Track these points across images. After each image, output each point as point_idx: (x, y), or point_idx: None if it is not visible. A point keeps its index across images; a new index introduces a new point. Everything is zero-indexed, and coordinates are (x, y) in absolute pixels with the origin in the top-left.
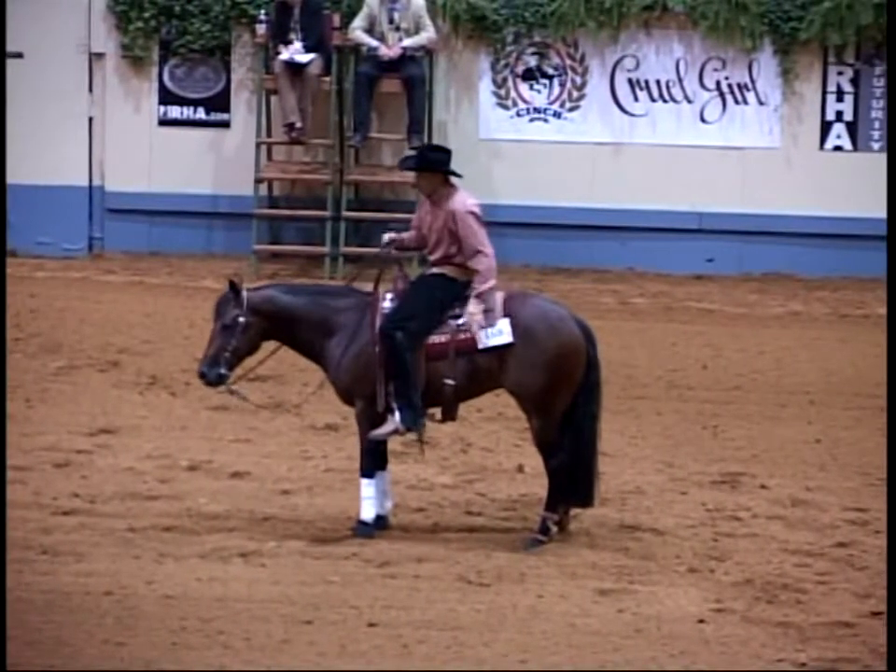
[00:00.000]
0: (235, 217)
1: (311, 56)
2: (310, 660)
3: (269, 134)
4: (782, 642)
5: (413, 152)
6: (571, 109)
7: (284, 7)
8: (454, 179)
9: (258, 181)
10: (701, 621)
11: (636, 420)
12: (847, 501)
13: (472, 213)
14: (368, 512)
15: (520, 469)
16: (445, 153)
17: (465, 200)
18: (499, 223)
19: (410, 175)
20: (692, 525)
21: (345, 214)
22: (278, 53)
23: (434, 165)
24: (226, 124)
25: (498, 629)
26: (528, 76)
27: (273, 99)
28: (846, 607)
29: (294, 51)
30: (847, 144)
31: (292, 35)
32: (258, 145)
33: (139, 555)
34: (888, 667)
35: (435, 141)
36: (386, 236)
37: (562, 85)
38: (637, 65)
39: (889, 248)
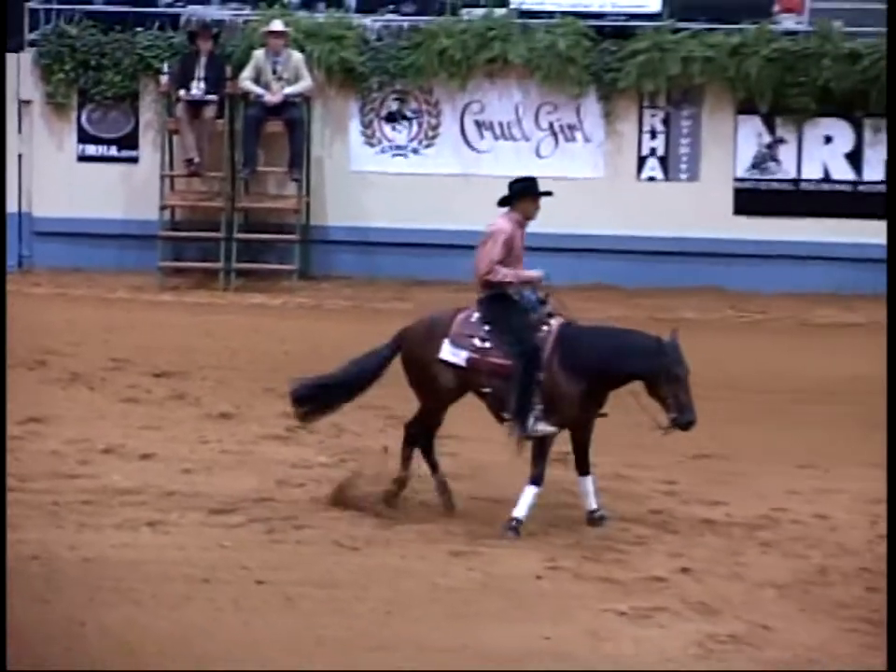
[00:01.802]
0: (143, 238)
1: (212, 97)
2: (208, 614)
3: (171, 168)
4: (607, 594)
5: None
6: (427, 146)
7: (192, 56)
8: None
9: (162, 208)
10: (538, 577)
11: (481, 408)
12: (660, 476)
13: None
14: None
15: (385, 449)
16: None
17: None
18: (369, 242)
19: (291, 202)
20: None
21: (236, 235)
22: (179, 99)
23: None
24: (135, 160)
25: (368, 586)
26: (391, 118)
27: (175, 138)
28: (660, 564)
29: (197, 91)
30: (659, 174)
31: (194, 82)
32: (162, 177)
33: (62, 525)
34: (888, 667)
35: (312, 173)
36: (538, 273)
37: (419, 126)
38: (483, 109)
39: (890, 252)
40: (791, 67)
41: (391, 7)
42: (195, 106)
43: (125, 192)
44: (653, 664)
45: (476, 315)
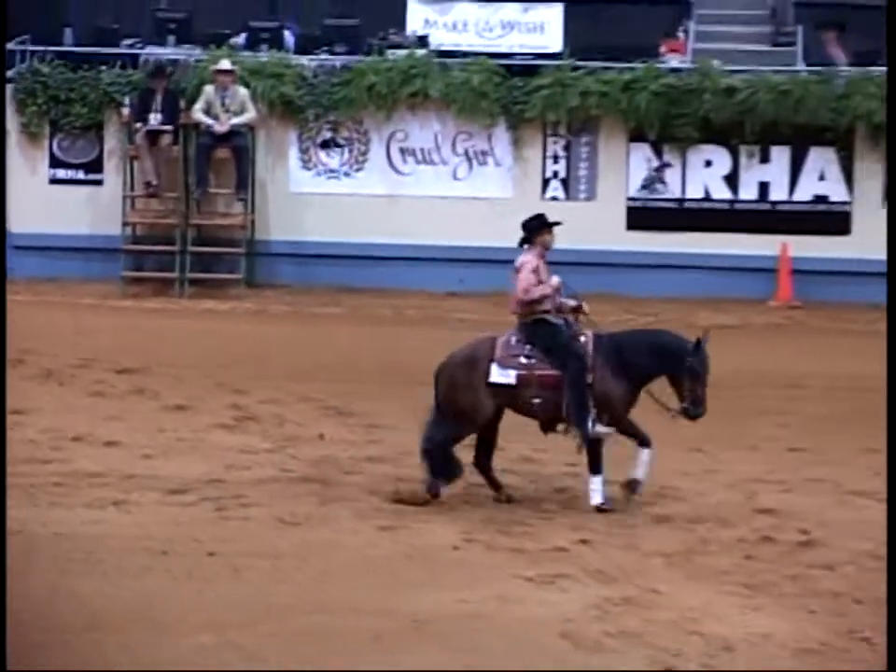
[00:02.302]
0: (108, 251)
1: (168, 127)
2: (166, 583)
3: (132, 190)
4: (516, 563)
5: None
6: (357, 170)
7: (150, 91)
8: None
9: (124, 224)
10: (456, 548)
11: (409, 401)
12: (564, 458)
13: None
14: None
15: (321, 436)
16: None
17: None
18: (307, 255)
19: (238, 219)
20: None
21: (190, 248)
22: (138, 129)
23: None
24: (100, 182)
25: (308, 557)
26: (325, 145)
27: (136, 163)
28: (563, 536)
29: (154, 122)
30: (561, 194)
31: (152, 114)
32: (124, 197)
33: (37, 504)
34: (888, 667)
35: (256, 194)
36: (559, 280)
37: (350, 152)
38: (406, 137)
39: (889, 253)
40: (676, 100)
41: (325, 48)
42: (153, 135)
43: (92, 211)
44: (556, 623)
45: (514, 338)
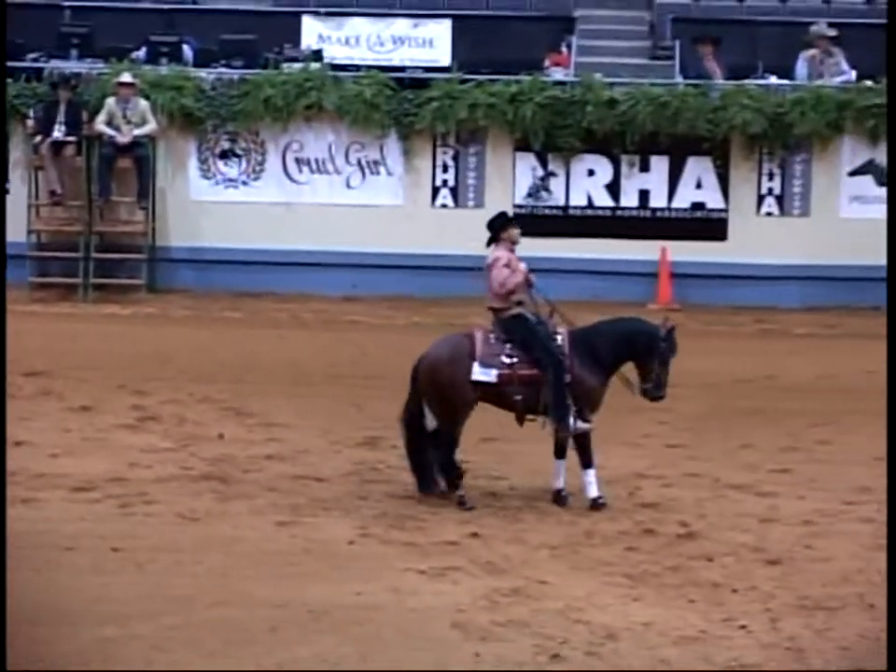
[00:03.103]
0: (15, 258)
1: (71, 138)
2: (73, 576)
3: (37, 198)
4: (409, 556)
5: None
6: (255, 179)
7: (54, 103)
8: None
9: (30, 232)
10: (351, 542)
11: (302, 400)
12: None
13: None
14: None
15: (221, 436)
16: None
17: None
18: (206, 260)
19: (140, 226)
20: (344, 474)
21: (93, 255)
22: (43, 140)
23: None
24: (6, 191)
25: (208, 552)
26: (224, 155)
27: (40, 173)
28: (453, 531)
29: (60, 134)
30: (450, 202)
31: (56, 126)
32: (29, 206)
33: None
34: (888, 667)
35: (157, 202)
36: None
37: (248, 162)
38: (301, 147)
39: (889, 253)
40: (560, 112)
41: (223, 61)
42: (57, 146)
43: None
44: (447, 613)
45: (493, 336)
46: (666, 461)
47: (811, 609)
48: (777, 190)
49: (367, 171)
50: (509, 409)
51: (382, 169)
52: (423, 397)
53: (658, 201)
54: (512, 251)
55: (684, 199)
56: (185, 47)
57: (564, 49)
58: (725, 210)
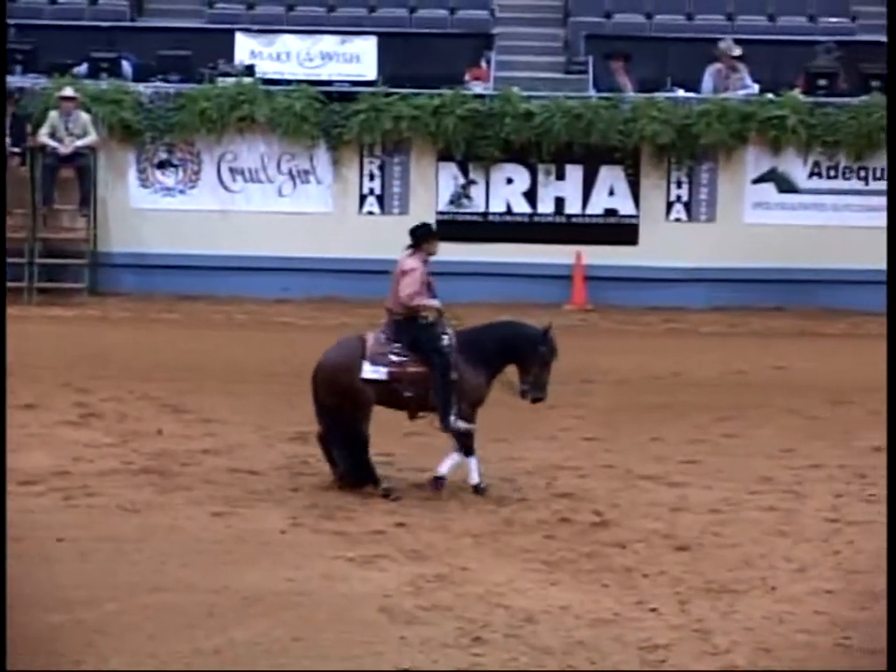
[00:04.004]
0: None
1: (17, 149)
2: (20, 566)
3: None
4: (338, 545)
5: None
6: (191, 188)
7: None
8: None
9: None
10: (283, 531)
11: (237, 397)
12: (381, 449)
13: None
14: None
15: (160, 431)
16: None
17: None
18: (146, 265)
19: (82, 233)
20: (277, 468)
21: (37, 260)
22: None
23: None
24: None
25: (148, 541)
26: (161, 165)
27: None
28: (380, 520)
29: (8, 146)
30: (377, 209)
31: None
32: None
33: None
34: (888, 667)
35: (98, 210)
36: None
37: (184, 171)
38: (235, 158)
39: (889, 252)
40: (480, 123)
41: (160, 76)
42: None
43: None
44: (375, 598)
45: (383, 336)
46: (582, 453)
47: (718, 593)
48: (684, 197)
49: (297, 180)
50: (400, 406)
51: (311, 178)
52: (323, 403)
53: (573, 207)
54: (426, 262)
55: (597, 206)
56: (124, 62)
57: (483, 65)
58: (636, 216)
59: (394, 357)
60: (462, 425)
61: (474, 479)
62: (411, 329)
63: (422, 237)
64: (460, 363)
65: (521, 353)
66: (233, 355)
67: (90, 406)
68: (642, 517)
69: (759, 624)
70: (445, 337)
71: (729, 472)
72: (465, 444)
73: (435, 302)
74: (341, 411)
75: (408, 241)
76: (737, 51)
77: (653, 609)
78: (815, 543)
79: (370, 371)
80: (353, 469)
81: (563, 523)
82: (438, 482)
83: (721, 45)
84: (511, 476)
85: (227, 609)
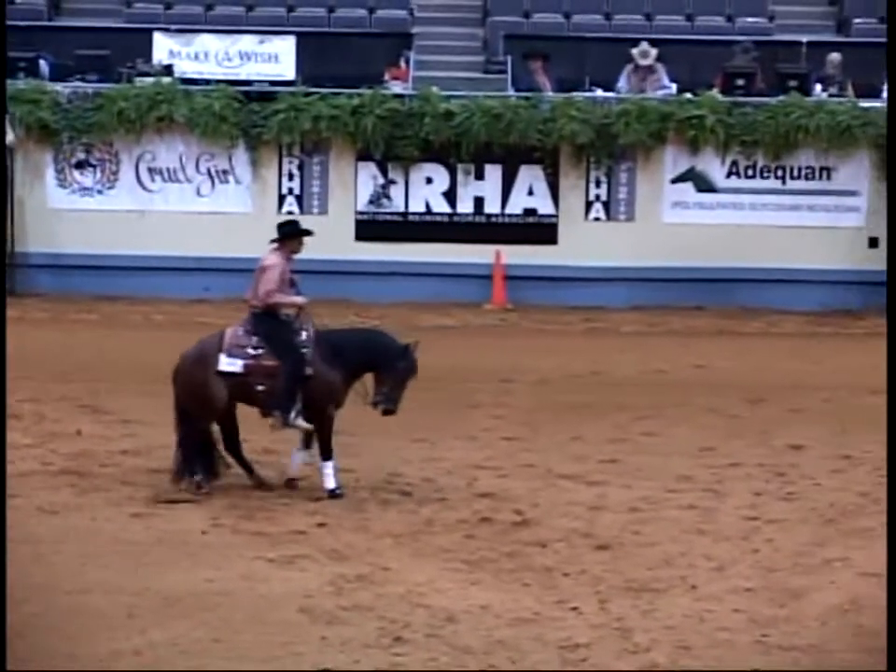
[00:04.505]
0: None
1: None
2: None
3: None
4: (259, 545)
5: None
6: (110, 188)
7: None
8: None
9: None
10: (204, 532)
11: (156, 398)
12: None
13: None
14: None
15: (78, 432)
16: None
17: None
18: (64, 266)
19: None
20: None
21: None
22: None
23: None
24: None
25: (66, 542)
26: (80, 165)
27: None
28: (301, 521)
29: None
30: (296, 209)
31: None
32: None
33: None
34: (888, 667)
35: (16, 210)
36: (303, 299)
37: (102, 171)
38: (154, 158)
39: (890, 251)
40: (400, 123)
41: (78, 76)
42: None
43: None
44: (295, 599)
45: (242, 329)
46: (502, 453)
47: (638, 591)
48: (603, 197)
49: (216, 180)
50: (254, 401)
51: (231, 178)
52: (181, 397)
53: (492, 207)
54: (290, 260)
55: (517, 205)
56: (41, 62)
57: (402, 64)
58: (555, 216)
59: (250, 350)
60: (302, 423)
61: (329, 483)
62: (268, 323)
63: (287, 235)
64: (317, 361)
65: (379, 363)
66: (152, 355)
67: (8, 407)
68: (562, 516)
69: (679, 623)
70: (303, 333)
71: (648, 471)
72: (325, 445)
73: (296, 299)
74: (194, 405)
75: (327, 240)
76: (648, 61)
77: (574, 608)
78: (734, 541)
79: (225, 364)
80: (211, 470)
81: (483, 522)
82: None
83: (633, 51)
84: (431, 476)
85: (146, 610)
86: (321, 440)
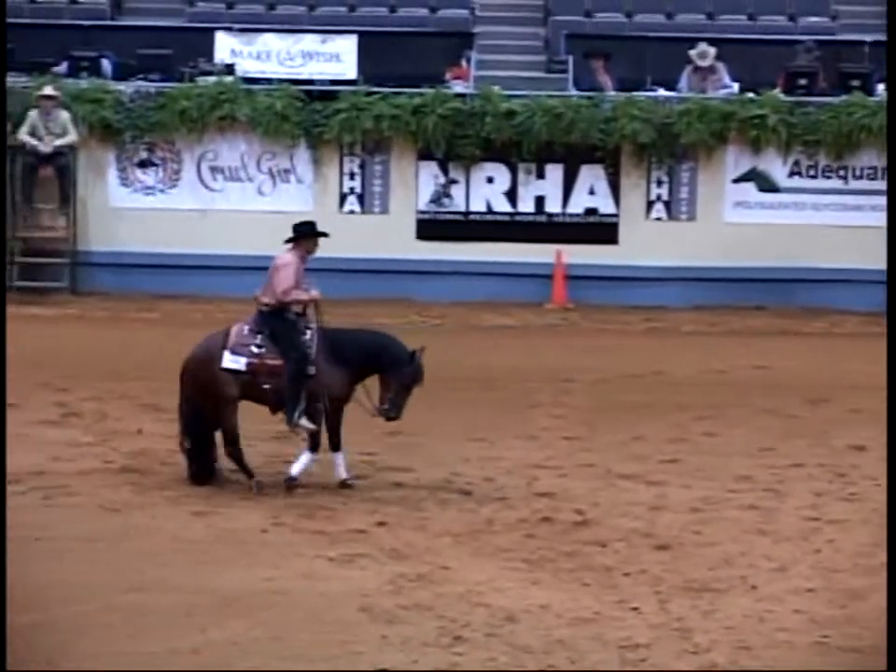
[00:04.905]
0: None
1: None
2: None
3: None
4: (319, 544)
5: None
6: (171, 187)
7: None
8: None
9: None
10: (264, 531)
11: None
12: (362, 449)
13: None
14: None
15: (139, 430)
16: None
17: None
18: (125, 265)
19: (62, 232)
20: (257, 467)
21: (17, 259)
22: None
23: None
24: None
25: (126, 540)
26: (142, 164)
27: None
28: (361, 519)
29: None
30: (357, 208)
31: None
32: None
33: None
34: (888, 667)
35: (78, 209)
36: (318, 293)
37: (164, 170)
38: (216, 157)
39: (889, 251)
40: (461, 123)
41: (141, 75)
42: None
43: None
44: (355, 598)
45: (247, 328)
46: (562, 452)
47: (698, 591)
48: (664, 196)
49: (278, 179)
50: (261, 400)
51: (292, 177)
52: (190, 397)
53: (553, 206)
54: (305, 260)
55: (578, 204)
56: (104, 61)
57: (464, 64)
58: (616, 215)
59: (254, 349)
60: (305, 423)
61: (341, 473)
62: (274, 322)
63: (303, 235)
64: (321, 359)
65: (385, 367)
66: None
67: (69, 405)
68: (622, 516)
69: (739, 623)
70: (308, 332)
71: (709, 471)
72: (313, 437)
73: (312, 293)
74: (206, 404)
75: (388, 240)
76: (707, 61)
77: (634, 608)
78: (795, 542)
79: (229, 361)
80: (205, 467)
81: (543, 522)
82: (290, 482)
83: (692, 52)
84: (491, 475)
85: (205, 608)
86: (330, 429)
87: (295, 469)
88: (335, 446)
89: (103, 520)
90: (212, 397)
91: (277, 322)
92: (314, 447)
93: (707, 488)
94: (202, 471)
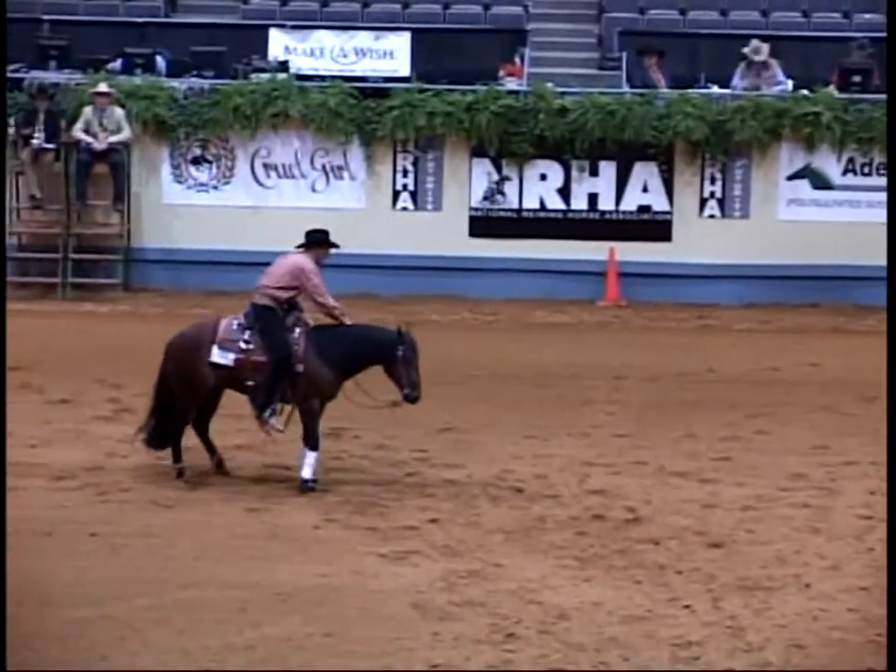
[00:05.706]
0: None
1: (51, 145)
2: (51, 561)
3: (18, 202)
4: (371, 540)
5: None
6: (225, 183)
7: (33, 112)
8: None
9: (11, 234)
10: (316, 527)
11: None
12: (413, 445)
13: None
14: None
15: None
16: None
17: None
18: (178, 261)
19: (115, 228)
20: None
21: (71, 256)
22: (26, 145)
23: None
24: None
25: (180, 537)
26: (195, 161)
27: (21, 178)
28: (413, 516)
29: (39, 141)
30: (410, 205)
31: (36, 132)
32: (10, 210)
33: None
34: (888, 667)
35: (132, 205)
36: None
37: (218, 167)
38: (269, 153)
39: (889, 251)
40: (514, 120)
41: (194, 72)
42: (36, 153)
43: None
44: (407, 594)
45: (236, 322)
46: (614, 450)
47: (750, 590)
48: (718, 194)
49: (331, 175)
50: (241, 392)
51: (345, 174)
52: (167, 375)
53: (606, 203)
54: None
55: (631, 202)
56: (158, 58)
57: (517, 61)
58: (670, 212)
59: (242, 345)
60: (274, 423)
61: (306, 473)
62: (264, 318)
63: (315, 243)
64: (310, 356)
65: (379, 357)
66: None
67: (123, 401)
68: (675, 514)
69: (792, 621)
70: (296, 330)
71: (761, 469)
72: (311, 434)
73: (338, 306)
74: (179, 387)
75: (441, 237)
76: (760, 57)
77: (686, 606)
78: (848, 540)
79: (217, 356)
80: (161, 436)
81: (595, 519)
82: (306, 484)
83: (745, 49)
84: (542, 473)
85: (259, 605)
86: (306, 430)
87: (306, 472)
88: (310, 445)
89: (157, 516)
90: (189, 383)
91: (267, 318)
92: (314, 446)
93: (759, 486)
94: (158, 437)
